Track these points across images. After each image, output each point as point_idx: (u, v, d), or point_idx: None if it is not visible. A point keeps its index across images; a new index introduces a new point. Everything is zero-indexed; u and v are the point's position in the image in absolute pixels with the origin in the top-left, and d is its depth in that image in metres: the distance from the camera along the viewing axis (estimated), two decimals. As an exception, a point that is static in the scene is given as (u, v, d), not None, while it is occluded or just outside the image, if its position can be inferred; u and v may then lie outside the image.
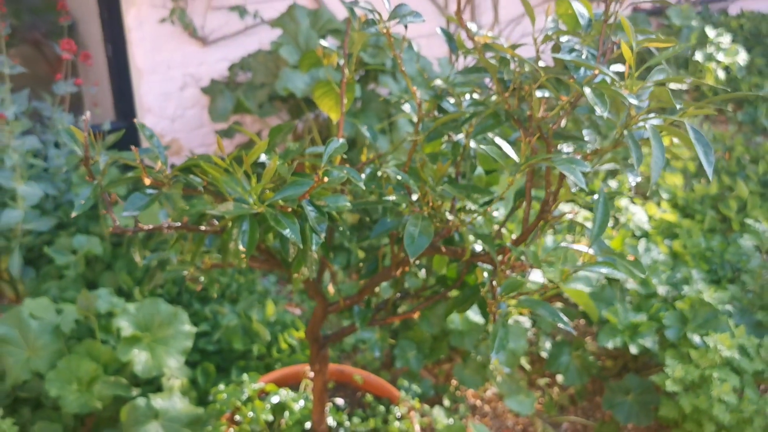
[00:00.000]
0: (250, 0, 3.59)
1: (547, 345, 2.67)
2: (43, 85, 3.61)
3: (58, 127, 3.12)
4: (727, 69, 4.51)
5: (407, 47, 3.19)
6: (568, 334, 2.79)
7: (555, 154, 1.14)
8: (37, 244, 2.90)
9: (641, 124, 1.11)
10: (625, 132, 1.10)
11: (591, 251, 1.20)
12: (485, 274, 1.38)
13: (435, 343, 2.56)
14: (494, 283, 1.30)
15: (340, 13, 3.66)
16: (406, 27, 1.29)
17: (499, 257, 1.32)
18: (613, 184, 3.36)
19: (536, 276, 2.25)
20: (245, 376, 2.10)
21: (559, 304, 2.68)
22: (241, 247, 1.15)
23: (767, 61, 4.96)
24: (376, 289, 1.78)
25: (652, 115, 1.13)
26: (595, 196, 1.20)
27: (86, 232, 2.91)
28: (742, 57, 4.45)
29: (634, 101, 1.05)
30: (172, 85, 3.59)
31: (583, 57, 1.20)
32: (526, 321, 2.62)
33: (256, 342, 2.50)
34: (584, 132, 1.36)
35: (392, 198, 1.28)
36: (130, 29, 3.41)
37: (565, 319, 1.21)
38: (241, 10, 3.50)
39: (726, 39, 4.50)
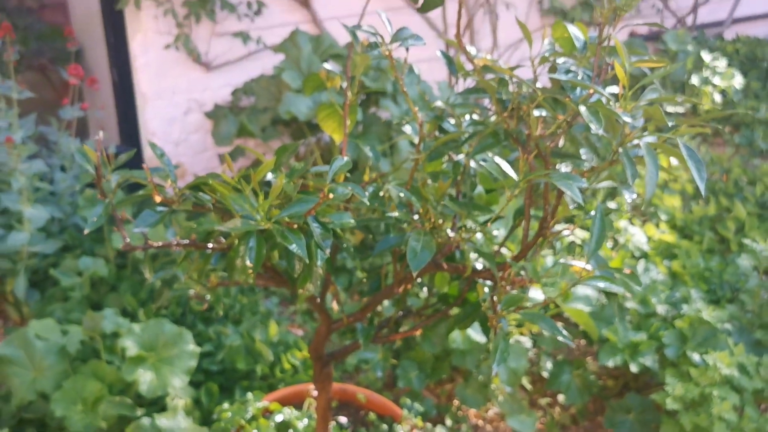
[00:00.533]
0: (253, 26, 3.66)
1: (548, 364, 2.68)
2: (48, 110, 3.67)
3: (64, 151, 3.17)
4: (723, 92, 4.57)
5: (408, 71, 3.24)
6: (569, 353, 2.81)
7: (552, 171, 1.18)
8: (42, 266, 2.94)
9: (636, 142, 1.15)
10: (620, 150, 1.14)
11: (589, 267, 1.23)
12: (486, 290, 1.41)
13: (437, 363, 2.58)
14: (495, 298, 1.33)
15: (342, 38, 3.73)
16: (407, 50, 1.33)
17: (500, 273, 1.35)
18: (612, 204, 3.40)
19: (536, 293, 2.28)
20: (249, 395, 2.12)
21: (560, 324, 2.70)
22: (248, 263, 1.18)
23: (763, 85, 5.02)
24: (379, 308, 1.81)
25: (646, 133, 1.17)
26: (592, 213, 1.23)
27: (92, 254, 2.94)
28: (738, 81, 4.51)
29: (628, 119, 1.09)
30: (176, 109, 3.64)
31: (579, 78, 1.24)
32: (526, 341, 2.64)
33: (260, 362, 2.52)
34: (581, 151, 1.40)
35: (395, 214, 1.32)
36: (136, 55, 3.47)
37: (564, 332, 1.24)
38: (245, 37, 3.56)
39: (722, 63, 4.56)
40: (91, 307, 2.77)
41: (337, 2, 3.87)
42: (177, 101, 3.64)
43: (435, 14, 4.21)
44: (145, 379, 2.22)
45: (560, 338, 1.21)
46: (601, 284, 1.20)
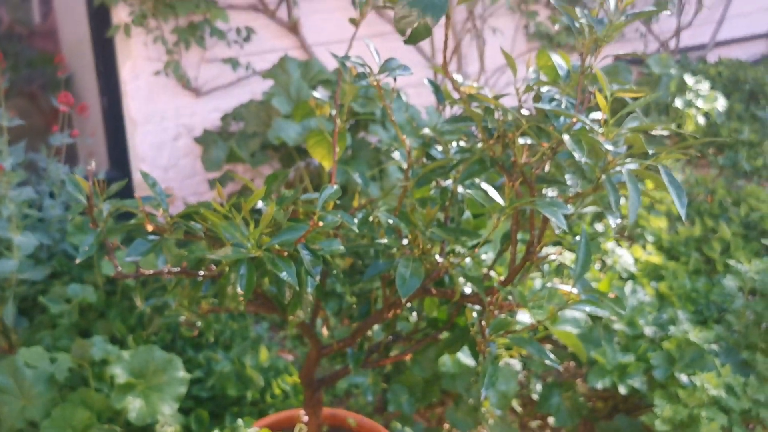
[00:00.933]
0: (243, 52, 3.70)
1: (538, 387, 2.69)
2: (38, 136, 3.68)
3: (53, 177, 3.17)
4: (706, 115, 4.64)
5: (396, 97, 3.28)
6: (558, 375, 2.82)
7: (538, 198, 1.20)
8: (31, 293, 2.93)
9: (618, 168, 1.18)
10: (603, 176, 1.17)
11: (575, 290, 1.26)
12: (474, 314, 1.42)
13: (427, 387, 2.58)
14: (483, 322, 1.34)
15: (331, 64, 3.77)
16: (395, 79, 1.36)
17: (488, 298, 1.37)
18: (599, 227, 3.43)
19: (524, 317, 2.29)
20: (240, 421, 2.12)
21: (548, 346, 2.71)
22: (239, 290, 1.19)
23: (746, 107, 5.10)
24: (369, 333, 1.82)
25: (628, 159, 1.20)
26: (578, 238, 1.25)
27: (81, 281, 2.94)
28: (720, 103, 4.58)
29: (610, 147, 1.11)
30: (165, 135, 3.66)
31: (563, 106, 1.27)
32: (516, 363, 2.65)
33: (250, 388, 2.52)
34: (567, 176, 1.43)
35: (384, 241, 1.34)
36: (126, 81, 3.49)
37: (551, 356, 1.26)
38: (234, 63, 3.60)
39: (705, 86, 4.64)
40: (79, 334, 2.76)
41: (326, 28, 3.91)
42: (166, 127, 3.66)
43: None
44: (134, 406, 2.21)
45: (548, 362, 1.23)
46: (587, 308, 1.22)
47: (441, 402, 2.71)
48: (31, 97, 4.07)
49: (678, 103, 4.47)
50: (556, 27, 4.51)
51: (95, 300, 2.77)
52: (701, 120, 4.49)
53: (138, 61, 3.48)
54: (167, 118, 3.64)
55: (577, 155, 1.09)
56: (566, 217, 1.21)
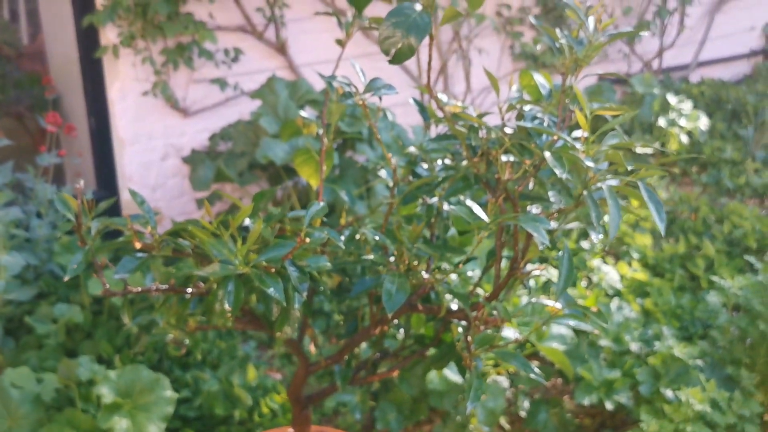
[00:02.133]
0: (231, 73, 3.73)
1: (525, 404, 2.70)
2: (25, 157, 3.68)
3: (40, 197, 3.17)
4: (689, 134, 4.70)
5: (382, 116, 3.31)
6: (546, 392, 2.83)
7: (521, 213, 1.22)
8: (17, 314, 2.91)
9: (599, 185, 1.20)
10: (585, 192, 1.19)
11: (558, 305, 1.27)
12: (460, 329, 1.44)
13: (415, 405, 2.58)
14: (468, 338, 1.36)
15: (318, 84, 3.80)
16: (380, 99, 1.38)
17: (473, 313, 1.39)
18: (585, 245, 3.46)
19: (510, 332, 2.31)
20: (227, 440, 2.11)
21: (535, 363, 2.73)
22: (227, 307, 1.20)
23: (728, 126, 5.18)
24: (356, 350, 1.83)
25: (609, 176, 1.22)
26: (560, 253, 1.28)
27: (67, 301, 2.93)
28: (703, 122, 4.65)
29: (590, 164, 1.14)
30: (153, 155, 3.67)
31: (545, 124, 1.30)
32: (504, 380, 2.66)
33: (238, 407, 2.51)
34: (550, 193, 1.46)
35: (371, 257, 1.35)
36: (114, 102, 3.51)
37: (536, 370, 1.27)
38: (222, 83, 3.62)
39: (687, 105, 4.71)
40: (66, 354, 2.74)
41: (313, 49, 3.95)
42: (154, 147, 3.67)
43: (409, 61, 4.31)
44: (120, 426, 2.20)
45: (532, 375, 1.24)
46: (571, 322, 1.24)
47: (429, 420, 2.71)
48: (19, 118, 4.07)
49: (661, 122, 4.53)
50: (539, 47, 4.58)
51: (82, 320, 2.76)
52: (684, 139, 4.56)
53: (126, 81, 3.50)
54: (155, 138, 3.66)
55: (558, 171, 1.11)
56: (550, 233, 1.24)
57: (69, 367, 2.36)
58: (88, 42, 3.43)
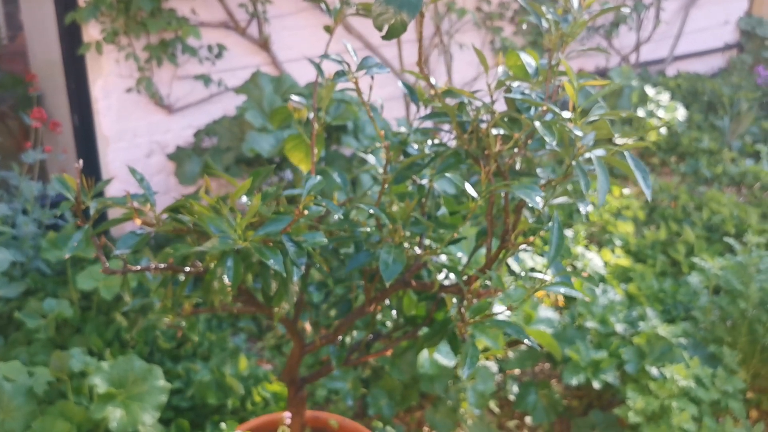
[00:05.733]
0: (215, 69, 3.74)
1: (515, 388, 2.74)
2: (9, 156, 3.66)
3: (25, 195, 3.16)
4: (667, 125, 4.78)
5: (372, 108, 3.35)
6: (534, 376, 2.87)
7: (512, 182, 1.26)
8: (5, 310, 2.91)
9: (587, 155, 1.24)
10: (574, 163, 1.23)
11: (549, 274, 1.31)
12: (454, 300, 1.47)
13: (406, 391, 2.62)
14: (462, 309, 1.39)
15: (302, 78, 3.82)
16: (372, 78, 1.41)
17: (466, 287, 1.42)
18: (569, 233, 3.51)
19: (501, 308, 2.35)
20: (223, 425, 2.13)
21: (524, 347, 2.77)
22: (226, 281, 1.23)
23: (704, 117, 5.27)
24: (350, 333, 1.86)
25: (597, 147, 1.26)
26: (551, 224, 1.31)
27: (55, 297, 2.92)
28: (681, 113, 4.74)
29: (579, 133, 1.18)
30: (138, 152, 3.67)
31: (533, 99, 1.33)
32: (492, 365, 2.70)
33: (230, 396, 2.53)
34: (537, 170, 1.50)
35: (367, 229, 1.38)
36: (97, 99, 3.51)
37: (531, 338, 1.31)
38: (206, 79, 3.63)
39: (665, 97, 4.79)
40: (56, 349, 2.74)
41: (296, 45, 3.97)
42: (139, 144, 3.67)
43: (391, 55, 4.35)
44: (114, 416, 2.21)
45: (527, 342, 1.28)
46: (562, 289, 1.27)
47: (420, 405, 2.75)
48: (1, 118, 4.05)
49: (640, 113, 4.61)
50: (520, 42, 4.63)
51: (71, 315, 2.76)
52: (663, 130, 4.64)
53: (109, 78, 3.50)
54: (139, 135, 3.66)
55: (548, 139, 1.15)
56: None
57: (61, 359, 2.36)
58: (71, 39, 3.43)
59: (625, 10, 5.12)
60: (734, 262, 2.67)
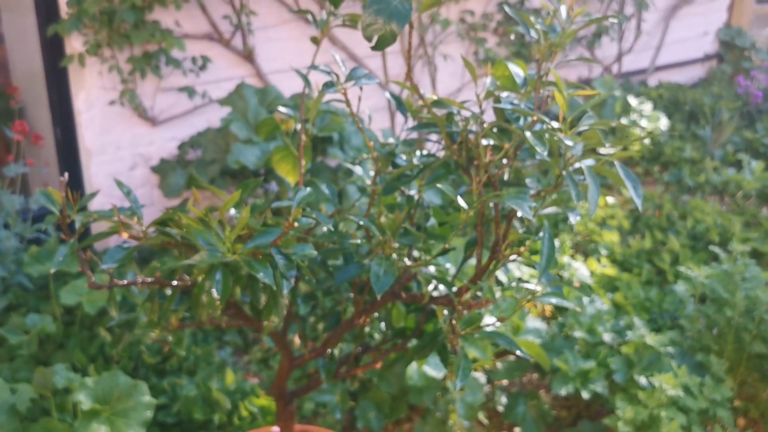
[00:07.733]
0: (199, 81, 3.72)
1: (503, 399, 2.73)
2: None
3: (7, 208, 3.12)
4: (651, 135, 4.82)
5: (360, 118, 3.35)
6: (522, 386, 2.87)
7: (503, 192, 1.26)
8: (-14, 326, 2.86)
9: (577, 165, 1.24)
10: (564, 173, 1.23)
11: (540, 285, 1.31)
12: (445, 312, 1.46)
13: (394, 403, 2.60)
14: (453, 321, 1.38)
15: (286, 90, 3.81)
16: (361, 89, 1.41)
17: (457, 298, 1.41)
18: (555, 243, 3.52)
19: (491, 320, 2.34)
20: (210, 441, 2.10)
21: (512, 358, 2.76)
22: (215, 295, 1.21)
23: (687, 127, 5.32)
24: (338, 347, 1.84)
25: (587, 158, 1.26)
26: (541, 234, 1.31)
27: (37, 312, 2.88)
28: (663, 123, 4.78)
29: (569, 143, 1.18)
30: (121, 165, 3.64)
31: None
32: (481, 376, 2.69)
33: (217, 411, 2.50)
34: (527, 180, 1.49)
35: (357, 241, 1.37)
36: (80, 111, 3.47)
37: (522, 348, 1.30)
38: (190, 91, 3.61)
39: (647, 107, 4.83)
40: (39, 365, 2.70)
41: (280, 57, 3.96)
42: (122, 156, 3.64)
43: (376, 66, 4.35)
44: (99, 433, 2.18)
45: (518, 353, 1.27)
46: (554, 300, 1.27)
47: (408, 418, 2.73)
48: (-19, 131, 4.00)
49: (623, 122, 4.64)
50: (504, 51, 4.66)
51: (54, 330, 2.72)
52: (645, 139, 4.67)
53: (92, 90, 3.47)
54: (123, 148, 3.63)
55: (539, 149, 1.15)
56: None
57: (44, 375, 2.32)
58: (53, 51, 3.40)
59: (612, 20, 5.18)
60: (720, 270, 2.69)
